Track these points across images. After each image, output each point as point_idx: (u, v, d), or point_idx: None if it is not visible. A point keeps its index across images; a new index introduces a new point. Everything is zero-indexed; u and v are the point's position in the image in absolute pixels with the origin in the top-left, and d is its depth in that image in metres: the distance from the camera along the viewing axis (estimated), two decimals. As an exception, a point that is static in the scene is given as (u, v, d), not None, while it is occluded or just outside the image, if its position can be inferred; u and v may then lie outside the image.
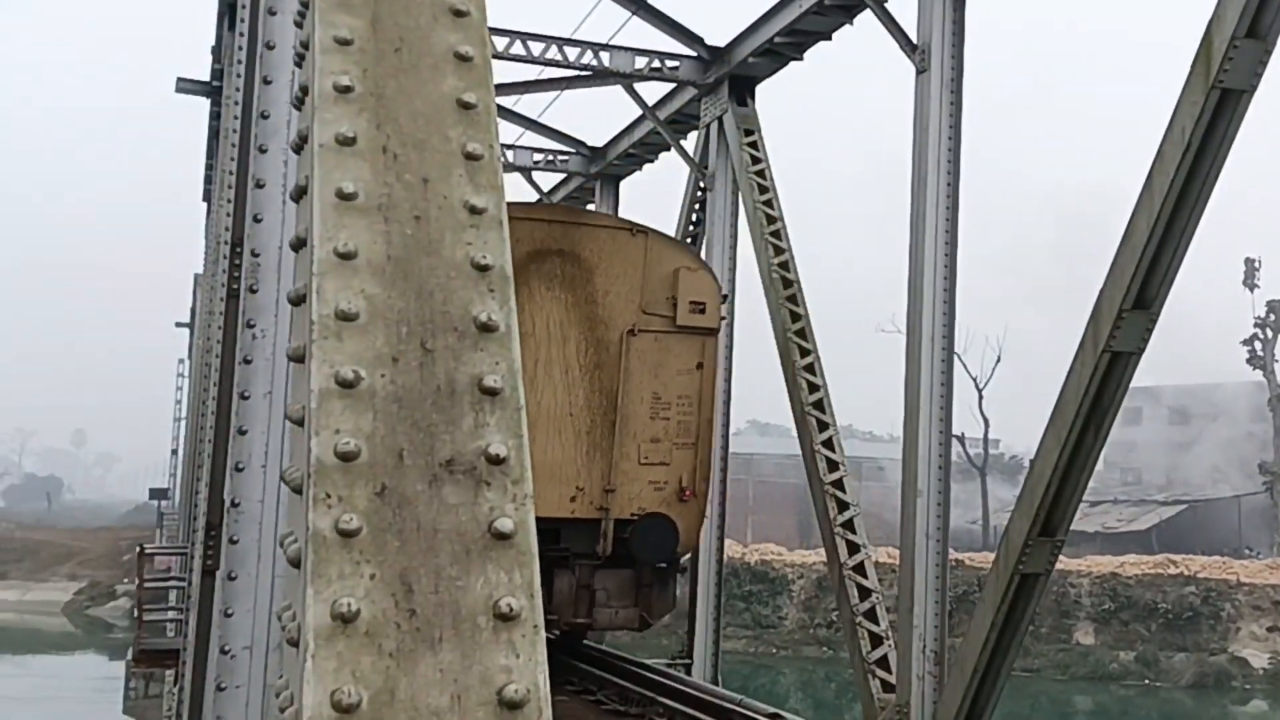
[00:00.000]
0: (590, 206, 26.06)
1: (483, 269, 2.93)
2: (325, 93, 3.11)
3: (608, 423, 15.39)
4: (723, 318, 16.33)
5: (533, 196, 27.75)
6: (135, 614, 26.65)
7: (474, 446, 2.66)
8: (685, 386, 15.77)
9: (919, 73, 14.04)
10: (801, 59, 18.11)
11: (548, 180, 27.15)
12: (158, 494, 62.37)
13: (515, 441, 2.70)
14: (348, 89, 3.11)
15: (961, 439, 59.88)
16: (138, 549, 25.50)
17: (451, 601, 2.47)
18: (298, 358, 2.79)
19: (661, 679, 15.08)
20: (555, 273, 15.26)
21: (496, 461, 2.65)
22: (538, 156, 25.91)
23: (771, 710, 13.29)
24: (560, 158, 25.79)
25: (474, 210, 3.03)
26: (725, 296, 16.76)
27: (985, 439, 58.57)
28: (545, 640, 2.51)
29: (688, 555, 17.32)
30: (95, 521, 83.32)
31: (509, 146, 25.62)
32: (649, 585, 15.65)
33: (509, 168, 26.19)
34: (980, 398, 56.59)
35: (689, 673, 18.89)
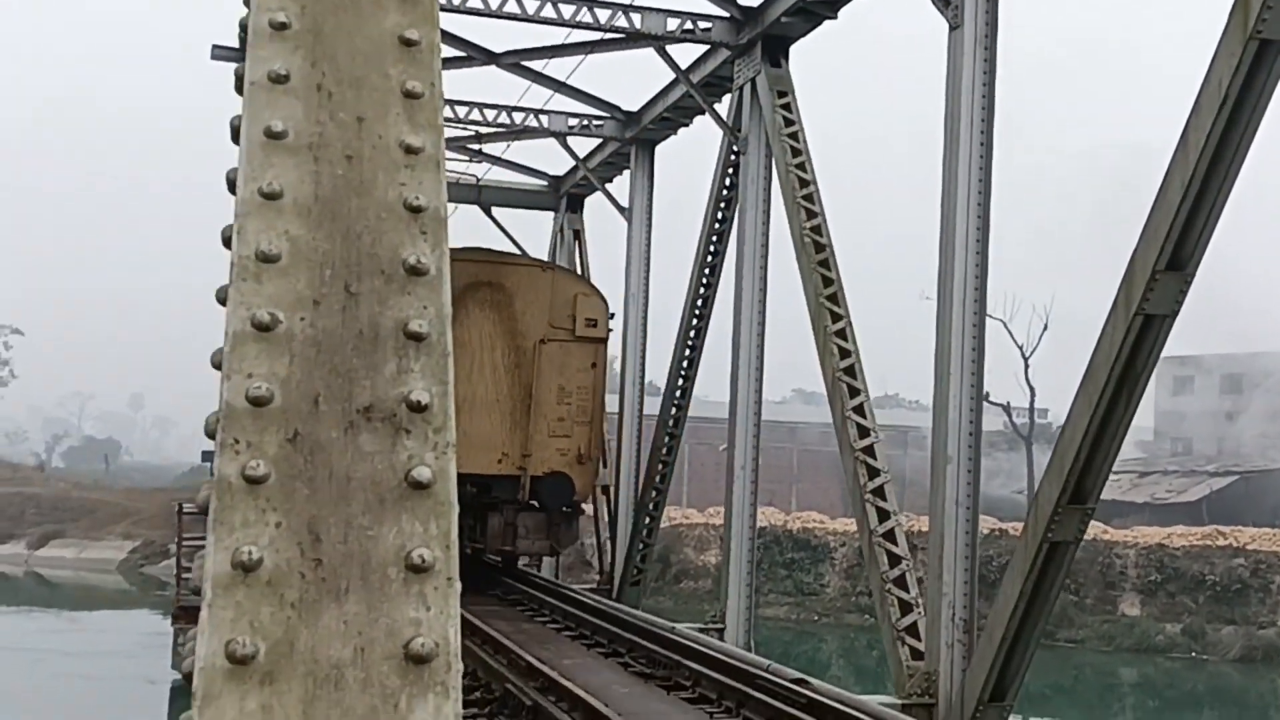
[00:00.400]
0: (626, 171, 25.90)
1: (415, 210, 2.82)
2: (260, 29, 3.00)
3: (524, 407, 21.21)
4: (610, 330, 22.24)
5: (568, 162, 27.65)
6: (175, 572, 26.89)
7: (395, 393, 2.56)
8: (582, 381, 21.72)
9: (952, 29, 13.79)
10: (835, 17, 17.85)
11: (583, 145, 26.98)
12: (208, 457, 63.76)
13: (440, 389, 2.59)
14: (284, 25, 3.00)
15: (1007, 408, 59.36)
16: (177, 507, 25.61)
17: (361, 551, 2.37)
18: (221, 300, 2.70)
19: (690, 643, 15.00)
20: (485, 299, 21.02)
21: (418, 409, 2.55)
22: (572, 121, 25.75)
23: (797, 674, 13.19)
24: (595, 123, 25.61)
25: (410, 150, 2.92)
26: (612, 314, 22.42)
27: (1031, 408, 57.93)
28: (459, 592, 2.40)
29: (587, 499, 23.30)
30: (151, 483, 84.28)
31: (542, 111, 25.48)
32: (557, 524, 21.67)
33: (544, 133, 26.07)
34: (1026, 366, 55.91)
35: (722, 637, 18.80)
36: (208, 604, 2.25)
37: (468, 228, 36.83)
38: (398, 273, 2.72)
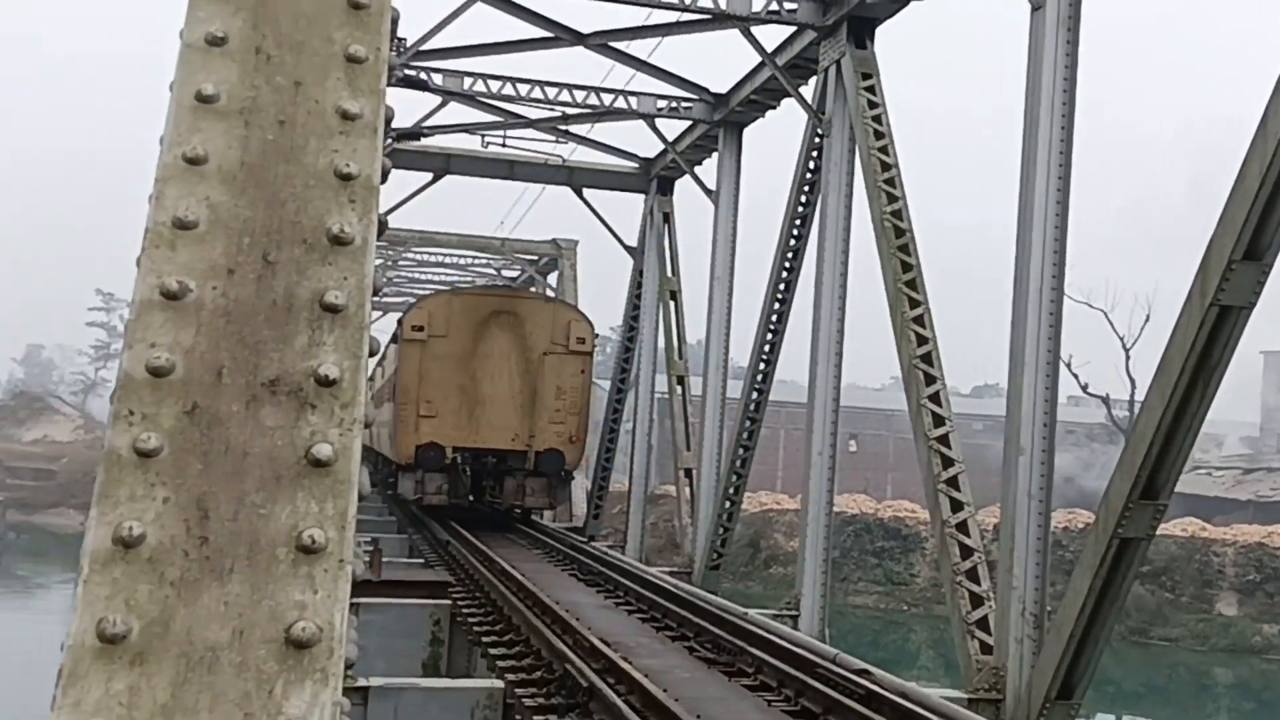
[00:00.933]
0: (715, 154, 25.71)
1: (346, 178, 2.73)
2: (203, -10, 2.92)
3: (531, 400, 28.43)
4: (595, 345, 29.82)
5: (656, 145, 27.52)
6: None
7: (303, 366, 2.47)
8: (574, 383, 28.92)
9: (1034, 9, 13.45)
10: (922, -2, 17.56)
11: (673, 128, 26.83)
12: None
13: (352, 363, 2.50)
14: (227, -13, 2.92)
15: (1107, 400, 58.30)
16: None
17: (250, 530, 2.28)
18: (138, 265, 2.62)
19: (757, 630, 14.85)
20: (505, 323, 28.24)
21: (326, 383, 2.45)
22: (661, 104, 25.60)
23: (861, 665, 12.98)
24: (684, 105, 25.44)
25: (346, 116, 2.82)
26: (596, 335, 29.94)
27: (1132, 400, 56.83)
28: (350, 575, 2.31)
29: (576, 467, 30.56)
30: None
31: (630, 93, 25.36)
32: (554, 486, 29.23)
33: (632, 114, 25.95)
34: (1127, 358, 54.86)
35: (796, 624, 18.62)
36: (83, 580, 2.18)
37: (559, 208, 36.88)
38: (320, 242, 2.62)
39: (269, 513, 2.31)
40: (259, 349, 2.47)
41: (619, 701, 11.04)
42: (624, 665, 12.59)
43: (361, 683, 13.28)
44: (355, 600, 9.43)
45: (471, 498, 29.16)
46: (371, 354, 2.68)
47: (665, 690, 11.67)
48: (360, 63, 2.91)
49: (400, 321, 29.86)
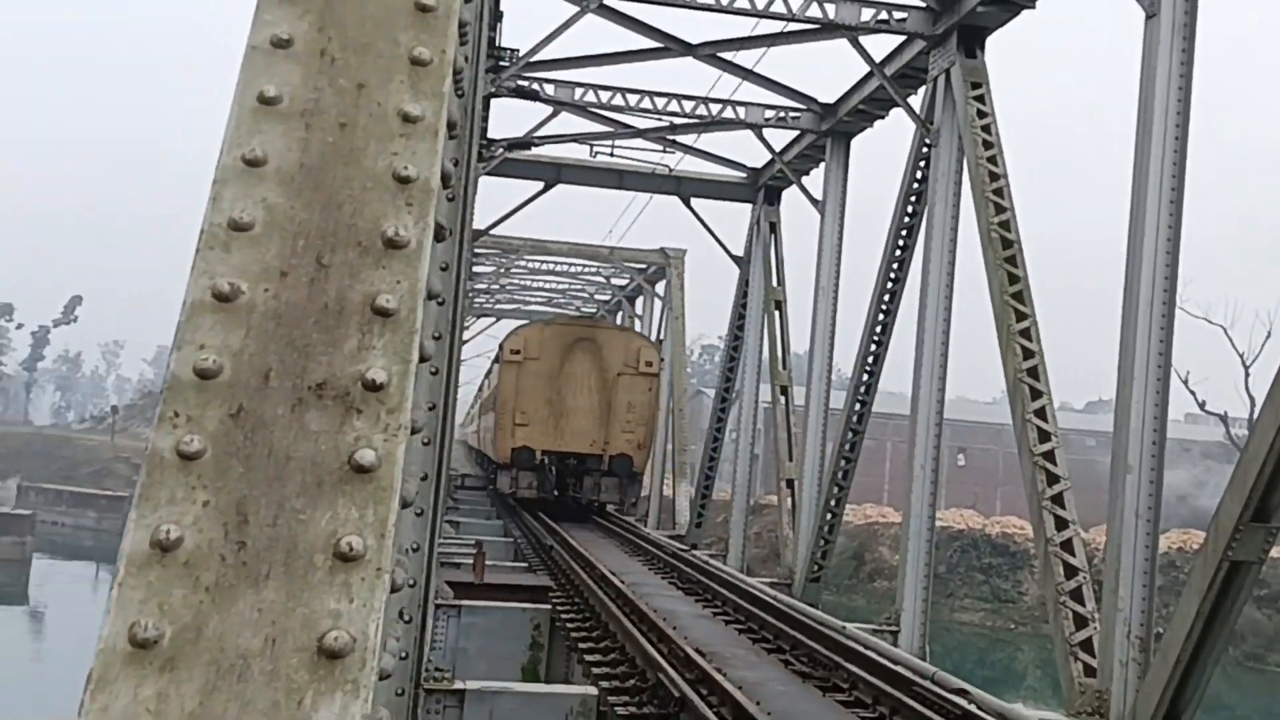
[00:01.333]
0: (822, 164, 25.53)
1: (404, 181, 2.69)
2: (270, -8, 2.91)
3: (607, 413, 33.95)
4: (661, 368, 35.73)
5: (763, 155, 27.40)
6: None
7: (351, 371, 2.43)
8: (642, 399, 34.61)
9: (1148, 17, 13.15)
10: (1034, 6, 17.24)
11: (779, 138, 26.70)
12: None
13: (400, 367, 2.46)
14: (294, -11, 2.91)
15: (1225, 418, 56.94)
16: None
17: (289, 536, 2.25)
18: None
19: (855, 645, 14.69)
20: (587, 349, 33.97)
21: (373, 388, 2.41)
22: (769, 114, 25.48)
23: (960, 684, 12.78)
24: (792, 115, 25.29)
25: (407, 119, 2.79)
26: (662, 360, 36.11)
27: (1250, 418, 55.48)
28: (390, 585, 2.27)
29: (643, 470, 36.03)
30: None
31: (737, 103, 25.26)
32: (624, 485, 34.92)
33: (740, 124, 25.86)
34: (1247, 375, 53.54)
35: (896, 640, 18.38)
36: (118, 583, 2.16)
37: (665, 218, 36.87)
38: (375, 245, 2.59)
39: (308, 518, 2.27)
40: (308, 352, 2.44)
41: (709, 713, 10.96)
42: (717, 676, 12.52)
43: (458, 685, 13.37)
44: (458, 602, 9.54)
45: (556, 493, 35.08)
46: (423, 359, 2.65)
47: (758, 703, 11.58)
48: (424, 65, 2.88)
49: (501, 345, 37.47)
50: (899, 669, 13.58)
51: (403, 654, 7.37)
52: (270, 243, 2.57)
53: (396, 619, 2.75)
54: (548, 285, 60.63)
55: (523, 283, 60.15)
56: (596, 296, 61.81)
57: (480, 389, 54.24)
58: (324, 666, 2.15)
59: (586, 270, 53.52)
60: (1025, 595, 48.93)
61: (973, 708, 11.66)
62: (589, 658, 15.21)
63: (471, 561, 22.54)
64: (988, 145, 17.45)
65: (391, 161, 2.73)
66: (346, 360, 2.45)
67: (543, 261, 51.89)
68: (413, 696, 10.00)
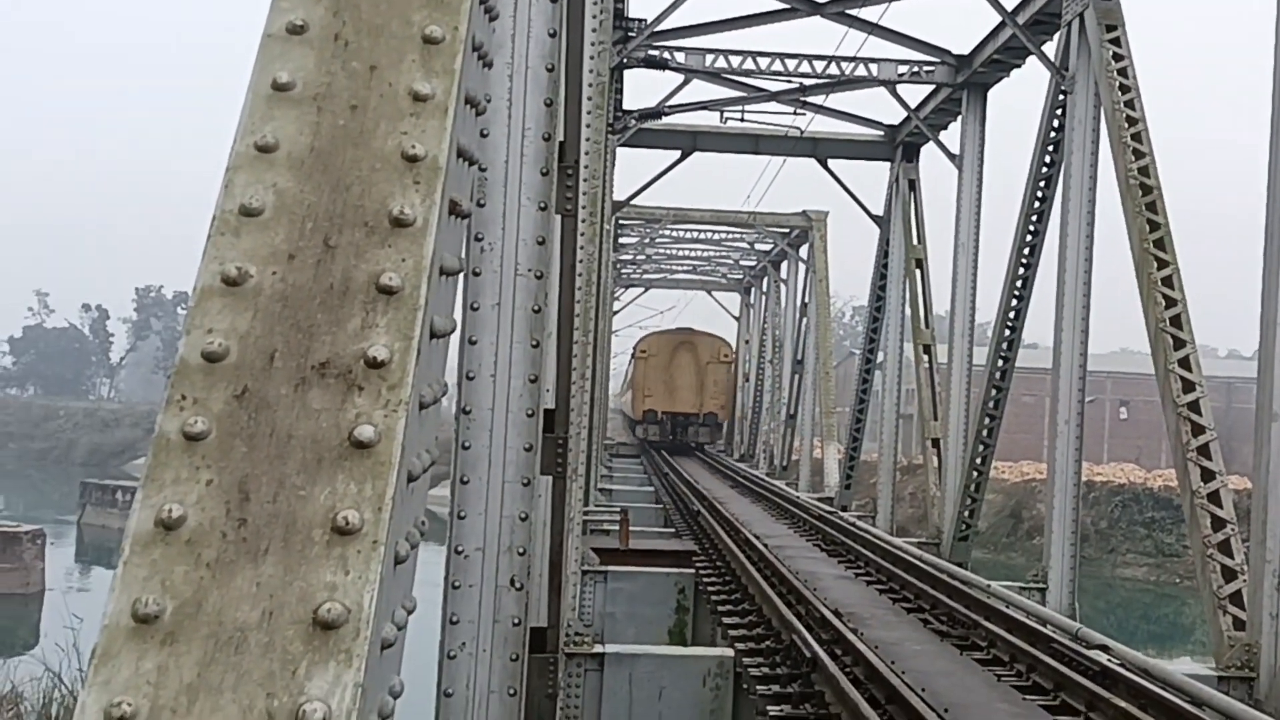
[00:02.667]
0: (958, 118, 25.12)
1: (412, 160, 2.73)
2: (288, -21, 2.97)
3: (700, 387, 58.31)
4: (734, 359, 61.94)
5: (900, 112, 27.02)
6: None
7: (354, 349, 2.48)
8: (722, 378, 59.79)
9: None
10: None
11: (915, 94, 26.31)
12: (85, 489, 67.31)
13: (403, 344, 2.50)
14: (311, -25, 2.96)
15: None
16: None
17: (288, 512, 2.31)
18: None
19: (993, 603, 14.53)
20: (686, 348, 58.35)
21: (375, 365, 2.46)
22: (901, 69, 25.12)
23: (1102, 640, 12.55)
24: (925, 69, 24.89)
25: (418, 98, 2.82)
26: (735, 351, 62.63)
27: None
28: (391, 558, 2.31)
29: (724, 422, 61.78)
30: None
31: (869, 60, 24.93)
32: (713, 431, 60.17)
33: (873, 82, 25.53)
34: None
35: (1044, 598, 18.12)
36: (123, 561, 2.24)
37: (800, 181, 36.59)
38: (381, 225, 2.63)
39: (308, 495, 2.33)
40: (312, 332, 2.50)
41: (839, 674, 10.93)
42: (851, 637, 12.48)
43: (597, 649, 13.54)
44: (603, 568, 9.66)
45: (672, 437, 58.28)
46: (436, 335, 2.70)
47: (892, 663, 11.52)
48: (436, 43, 2.91)
49: (634, 347, 62.58)
50: (1040, 626, 13.39)
51: (515, 620, 7.48)
52: (279, 227, 2.62)
53: (408, 591, 2.80)
54: (693, 254, 60.66)
55: (668, 252, 60.28)
56: (742, 262, 61.67)
57: (624, 375, 76.76)
58: (318, 637, 2.20)
59: (730, 237, 53.43)
60: (1190, 549, 47.75)
61: (1113, 663, 11.44)
62: (727, 620, 15.28)
63: (617, 528, 22.79)
64: (1124, 89, 17.01)
65: (400, 141, 2.76)
66: (350, 339, 2.50)
67: (686, 230, 51.95)
68: (550, 662, 10.16)
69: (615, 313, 65.21)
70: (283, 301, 2.53)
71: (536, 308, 7.08)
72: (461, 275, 7.56)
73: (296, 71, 2.82)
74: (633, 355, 63.10)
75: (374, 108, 2.81)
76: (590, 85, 12.80)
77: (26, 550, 45.11)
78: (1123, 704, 10.15)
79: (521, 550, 7.09)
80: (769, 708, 11.08)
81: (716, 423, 59.89)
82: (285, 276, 2.56)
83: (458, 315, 7.36)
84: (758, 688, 11.83)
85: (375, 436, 2.38)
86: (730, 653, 13.44)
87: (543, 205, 7.10)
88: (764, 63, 25.61)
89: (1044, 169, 19.85)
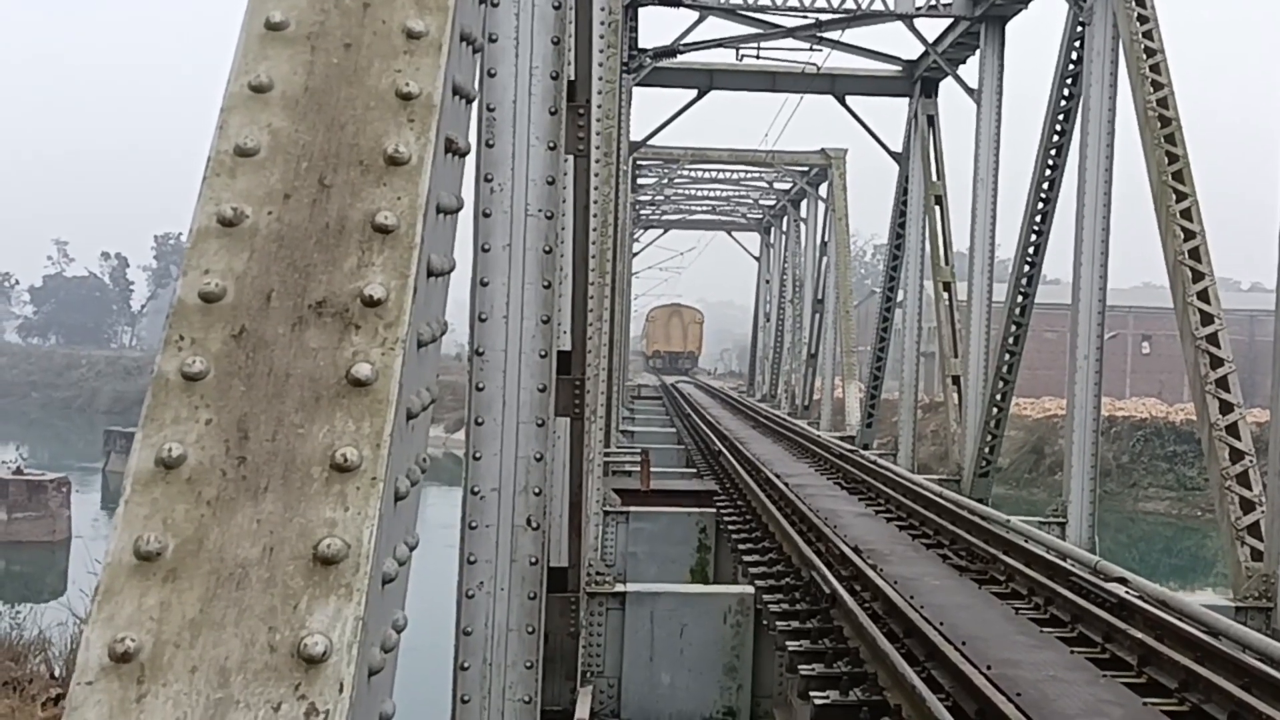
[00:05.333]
0: (977, 52, 24.92)
1: (406, 98, 2.73)
2: (281, -82, 2.95)
3: (684, 337, 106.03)
4: (702, 320, 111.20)
5: (917, 47, 26.80)
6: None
7: (350, 288, 2.49)
8: (696, 333, 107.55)
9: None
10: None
11: (932, 28, 26.08)
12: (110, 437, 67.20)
13: (398, 282, 2.51)
14: (305, -88, 2.94)
15: None
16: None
17: (287, 450, 2.33)
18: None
19: (1012, 537, 14.56)
20: (676, 316, 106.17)
21: (371, 304, 2.47)
22: (919, 2, 24.90)
23: (1120, 573, 12.58)
24: (943, 2, 24.67)
25: (411, 35, 2.82)
26: (702, 314, 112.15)
27: None
28: (391, 494, 2.33)
29: (698, 358, 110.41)
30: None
31: (884, -8, 24.72)
32: (692, 361, 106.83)
33: (889, 15, 25.32)
34: None
35: (1063, 532, 18.16)
36: (124, 500, 2.26)
37: (818, 118, 36.36)
38: (376, 163, 2.63)
39: (306, 433, 2.35)
40: (309, 272, 2.51)
41: (857, 609, 10.99)
42: (870, 573, 12.53)
43: (619, 588, 13.64)
44: (625, 509, 9.68)
45: (668, 365, 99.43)
46: (434, 274, 2.71)
47: (911, 597, 11.57)
48: (430, -22, 2.89)
49: (648, 314, 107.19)
50: (1057, 560, 13.42)
51: (532, 559, 7.53)
52: (274, 167, 2.63)
53: (410, 528, 2.82)
54: (712, 194, 60.47)
55: (687, 193, 60.12)
56: (761, 202, 61.48)
57: (641, 331, 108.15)
58: (319, 573, 2.23)
59: (749, 176, 53.24)
60: (1210, 482, 47.70)
61: (1130, 595, 11.47)
62: (747, 559, 15.35)
63: (638, 469, 22.87)
64: (1143, 20, 16.84)
65: (395, 79, 2.76)
66: (346, 278, 2.51)
67: (704, 170, 51.76)
68: (571, 600, 10.19)
69: (634, 255, 65.19)
70: (279, 241, 2.54)
71: (548, 249, 7.07)
72: (471, 216, 7.55)
73: (290, 10, 2.81)
74: (646, 319, 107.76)
75: (368, 45, 2.80)
76: (602, 23, 12.72)
77: (53, 498, 45.28)
78: (1139, 635, 10.18)
79: (537, 491, 7.12)
80: (788, 643, 11.15)
81: (694, 357, 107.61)
82: (281, 216, 2.56)
83: (467, 256, 7.40)
84: (778, 624, 11.91)
85: (372, 375, 2.40)
86: (751, 590, 13.52)
87: (552, 145, 7.08)
88: (779, -1, 25.44)
89: (1063, 102, 19.71)
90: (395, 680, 2.53)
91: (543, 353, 7.12)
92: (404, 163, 2.65)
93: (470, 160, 7.25)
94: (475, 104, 7.47)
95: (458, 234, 3.23)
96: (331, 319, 2.46)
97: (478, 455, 7.13)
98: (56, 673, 11.61)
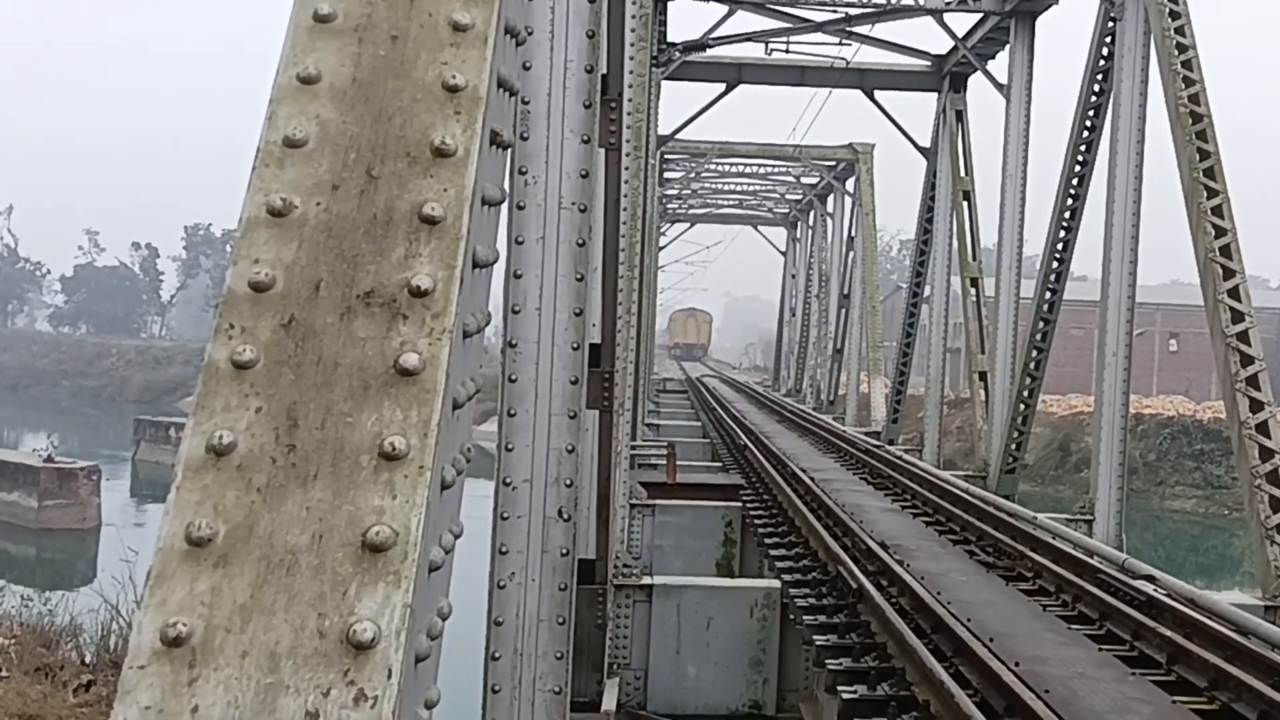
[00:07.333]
0: (1006, 47, 24.84)
1: (453, 90, 2.74)
2: (332, -87, 2.97)
3: (698, 334, 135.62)
4: (712, 320, 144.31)
5: (947, 42, 26.73)
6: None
7: (398, 278, 2.51)
8: (706, 330, 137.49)
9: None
10: None
11: (962, 23, 26.01)
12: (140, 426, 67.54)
13: (445, 273, 2.53)
14: (355, -93, 2.96)
15: None
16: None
17: (336, 438, 2.35)
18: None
19: (1043, 534, 14.52)
20: (691, 317, 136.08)
21: (419, 294, 2.49)
22: (949, -4, 24.83)
23: (1148, 570, 12.54)
24: (973, -4, 24.60)
25: (458, 27, 2.83)
26: (712, 318, 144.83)
27: None
28: (437, 483, 2.36)
29: (707, 349, 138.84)
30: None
31: (915, -13, 24.66)
32: (703, 351, 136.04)
33: (918, 10, 25.25)
34: None
35: (1090, 529, 18.11)
36: (176, 487, 2.29)
37: (845, 113, 36.29)
38: (423, 155, 2.65)
39: (355, 421, 2.37)
40: (356, 262, 2.53)
41: (884, 604, 10.99)
42: (897, 568, 12.53)
43: (645, 581, 13.67)
44: (651, 502, 9.72)
45: (684, 354, 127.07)
46: (478, 265, 2.73)
47: (938, 594, 11.57)
48: (475, -27, 2.91)
49: (670, 316, 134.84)
50: (1086, 557, 13.39)
51: (563, 550, 7.56)
52: (323, 157, 2.65)
53: (454, 515, 2.84)
54: (738, 188, 60.40)
55: (713, 187, 60.06)
56: (788, 197, 61.37)
57: (665, 327, 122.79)
58: (367, 560, 2.25)
59: (775, 171, 53.16)
60: (1238, 480, 47.41)
61: (1159, 593, 11.44)
62: (774, 553, 15.36)
63: (664, 463, 22.88)
64: (1174, 15, 16.75)
65: (441, 71, 2.78)
66: (394, 268, 2.53)
67: (731, 164, 51.72)
68: (599, 592, 10.21)
69: (661, 248, 65.18)
70: (327, 232, 2.56)
71: (581, 241, 7.09)
72: (505, 208, 7.59)
73: (337, 2, 2.83)
74: (669, 319, 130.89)
75: (414, 38, 2.82)
76: (633, 17, 12.73)
77: (83, 486, 45.49)
78: (1168, 633, 10.16)
79: (569, 482, 7.15)
80: (815, 637, 11.15)
81: (704, 348, 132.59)
82: (329, 207, 2.59)
83: (501, 248, 7.42)
84: (804, 618, 11.91)
85: (420, 364, 2.42)
86: (777, 584, 13.53)
87: (585, 138, 7.10)
88: (810, -7, 25.39)
89: (1093, 98, 19.63)
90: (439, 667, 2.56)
91: (575, 345, 7.15)
92: (450, 154, 2.67)
93: (504, 153, 7.27)
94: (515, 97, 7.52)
95: (490, 227, 3.25)
96: (379, 309, 2.48)
97: (510, 446, 7.16)
98: (87, 659, 11.70)
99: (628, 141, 11.69)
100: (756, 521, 18.17)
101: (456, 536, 2.64)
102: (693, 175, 54.87)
